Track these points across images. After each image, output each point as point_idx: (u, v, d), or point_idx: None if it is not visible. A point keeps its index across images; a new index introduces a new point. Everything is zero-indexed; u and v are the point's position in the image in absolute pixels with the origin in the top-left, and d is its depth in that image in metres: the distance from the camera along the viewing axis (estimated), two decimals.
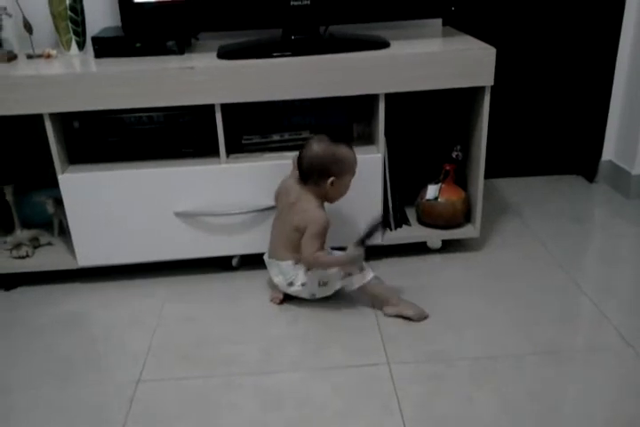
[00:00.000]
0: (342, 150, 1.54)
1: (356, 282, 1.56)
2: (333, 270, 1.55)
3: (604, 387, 1.32)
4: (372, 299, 1.61)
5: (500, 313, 1.58)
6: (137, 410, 1.31)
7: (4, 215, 1.85)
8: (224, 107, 1.62)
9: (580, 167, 2.40)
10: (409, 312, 1.56)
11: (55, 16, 1.72)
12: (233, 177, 1.68)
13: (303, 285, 1.58)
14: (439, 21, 2.01)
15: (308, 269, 1.57)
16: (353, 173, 1.57)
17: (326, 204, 1.60)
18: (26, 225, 1.82)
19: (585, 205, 2.20)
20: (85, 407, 1.32)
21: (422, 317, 1.56)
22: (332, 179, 1.53)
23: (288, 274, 1.59)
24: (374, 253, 1.82)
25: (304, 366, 1.42)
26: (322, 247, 1.54)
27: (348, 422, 1.26)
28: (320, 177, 1.53)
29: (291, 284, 1.59)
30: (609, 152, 2.31)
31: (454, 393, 1.32)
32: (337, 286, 1.58)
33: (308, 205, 1.55)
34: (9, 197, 1.76)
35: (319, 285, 1.58)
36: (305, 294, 1.61)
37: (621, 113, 2.24)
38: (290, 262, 1.58)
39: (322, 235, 1.54)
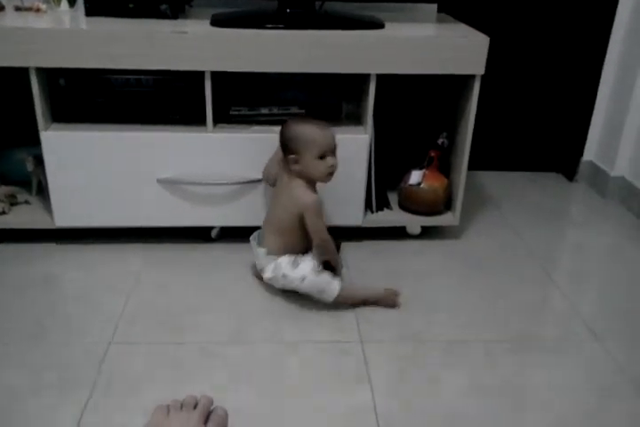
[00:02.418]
0: (302, 128, 1.50)
1: (328, 296, 1.51)
2: (306, 283, 1.50)
3: (569, 377, 1.34)
4: (352, 304, 1.56)
5: (474, 300, 1.60)
6: (107, 371, 1.30)
7: None
8: (214, 75, 1.59)
9: (561, 166, 2.44)
10: (386, 305, 1.57)
11: None
12: (218, 147, 1.66)
13: (269, 279, 1.56)
14: (434, 8, 2.01)
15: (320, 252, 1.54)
16: (316, 154, 1.48)
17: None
18: (4, 182, 1.78)
19: (563, 201, 2.23)
20: (55, 366, 1.31)
21: (395, 300, 1.57)
22: (292, 156, 1.49)
23: (259, 260, 1.58)
24: (353, 235, 1.82)
25: (276, 339, 1.42)
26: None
27: (318, 394, 1.26)
28: (284, 154, 1.52)
29: (262, 270, 1.58)
30: (590, 153, 2.34)
31: (424, 373, 1.33)
32: (305, 292, 1.54)
33: (296, 190, 1.53)
34: None
35: (282, 287, 1.56)
36: (275, 285, 1.58)
37: (605, 115, 2.27)
38: (263, 250, 1.56)
39: (321, 215, 1.53)
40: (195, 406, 0.77)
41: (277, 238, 1.55)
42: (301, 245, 1.56)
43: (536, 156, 2.44)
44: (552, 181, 2.40)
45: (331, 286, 1.51)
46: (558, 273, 1.74)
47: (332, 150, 1.51)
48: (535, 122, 2.38)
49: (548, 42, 2.23)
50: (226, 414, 0.78)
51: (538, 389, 1.31)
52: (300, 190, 1.52)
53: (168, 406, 0.77)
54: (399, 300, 1.57)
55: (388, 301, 1.56)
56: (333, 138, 1.51)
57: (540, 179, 2.40)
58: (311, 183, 1.54)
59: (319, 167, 1.50)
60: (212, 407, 0.78)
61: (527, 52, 2.25)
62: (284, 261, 1.52)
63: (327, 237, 1.54)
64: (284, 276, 1.51)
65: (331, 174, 1.52)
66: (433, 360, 1.37)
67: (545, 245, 1.90)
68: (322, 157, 1.49)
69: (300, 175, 1.52)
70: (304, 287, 1.50)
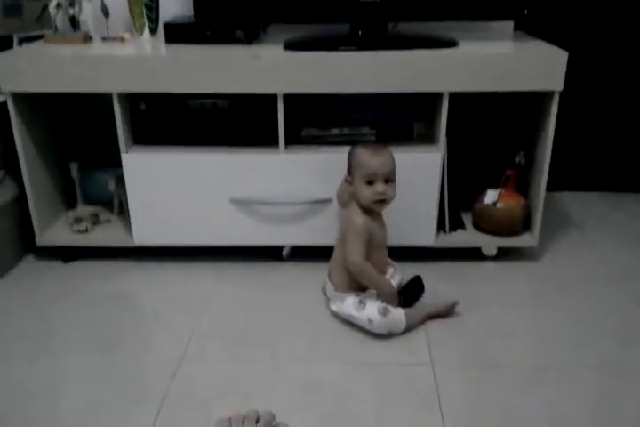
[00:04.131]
0: (358, 150, 1.50)
1: (397, 331, 1.48)
2: (375, 326, 1.46)
3: None
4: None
5: (553, 325, 1.52)
6: (178, 385, 1.32)
7: (68, 191, 1.91)
8: (286, 98, 1.62)
9: None
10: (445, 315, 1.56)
11: (131, 1, 1.78)
12: (290, 167, 1.68)
13: (336, 313, 1.54)
14: (510, 26, 1.97)
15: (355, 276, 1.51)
16: (362, 178, 1.46)
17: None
18: (88, 202, 1.87)
19: None
20: (129, 379, 1.34)
21: (452, 310, 1.56)
22: (347, 176, 1.51)
23: (328, 292, 1.58)
24: (427, 256, 1.79)
25: (345, 360, 1.40)
26: (363, 250, 1.47)
27: (386, 416, 1.23)
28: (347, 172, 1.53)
29: (330, 300, 1.57)
30: None
31: (499, 400, 1.27)
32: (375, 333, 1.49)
33: (349, 211, 1.52)
34: (74, 174, 1.81)
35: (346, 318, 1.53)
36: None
37: None
38: (331, 286, 1.55)
39: (361, 239, 1.48)
40: (257, 421, 0.76)
41: (342, 274, 1.53)
42: None
43: (620, 175, 2.32)
44: (638, 201, 2.27)
45: (397, 323, 1.47)
46: None
47: (381, 177, 1.46)
48: (619, 140, 2.27)
49: (633, 55, 2.14)
50: None
51: (624, 420, 1.22)
52: (351, 213, 1.51)
53: (230, 420, 0.77)
54: (455, 309, 1.57)
55: (447, 312, 1.55)
56: (386, 165, 1.46)
57: (624, 199, 2.28)
58: (366, 209, 1.50)
59: (365, 192, 1.47)
60: (273, 423, 0.77)
61: (610, 67, 2.16)
62: (350, 301, 1.49)
63: (358, 260, 1.48)
64: (351, 316, 1.49)
65: (380, 202, 1.48)
66: (508, 386, 1.31)
67: (631, 269, 1.79)
68: (369, 183, 1.46)
69: (355, 199, 1.51)
70: (373, 329, 1.47)
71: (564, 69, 1.59)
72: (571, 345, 1.45)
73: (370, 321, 1.46)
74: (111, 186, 1.79)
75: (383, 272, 1.57)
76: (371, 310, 1.46)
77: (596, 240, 1.96)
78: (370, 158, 1.46)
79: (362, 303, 1.48)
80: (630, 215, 2.15)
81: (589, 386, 1.31)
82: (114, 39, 1.77)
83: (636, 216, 2.14)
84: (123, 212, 1.84)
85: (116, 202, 1.86)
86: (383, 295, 1.49)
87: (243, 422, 0.76)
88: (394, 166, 1.48)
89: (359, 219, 1.49)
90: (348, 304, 1.49)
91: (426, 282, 1.65)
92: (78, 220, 1.79)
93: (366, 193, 1.47)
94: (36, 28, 1.81)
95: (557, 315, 1.57)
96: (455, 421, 1.21)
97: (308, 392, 1.30)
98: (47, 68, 1.58)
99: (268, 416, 0.78)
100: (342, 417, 1.23)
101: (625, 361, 1.40)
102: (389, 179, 1.48)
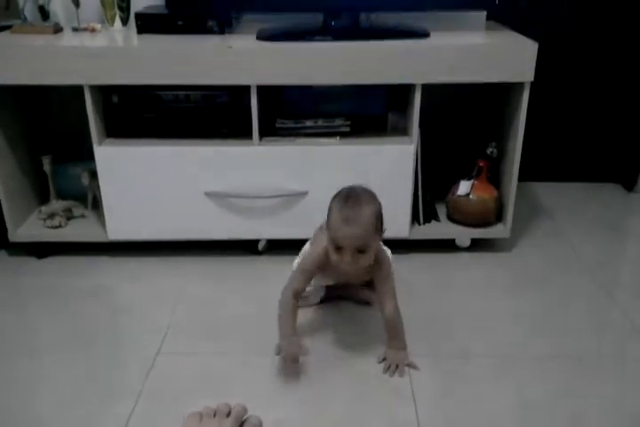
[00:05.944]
0: (335, 209, 1.28)
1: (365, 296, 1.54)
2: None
3: (631, 397, 1.28)
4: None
5: (524, 315, 1.55)
6: (153, 381, 1.32)
7: (40, 185, 1.88)
8: (260, 89, 1.62)
9: (620, 176, 2.35)
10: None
11: None
12: (264, 160, 1.68)
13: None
14: (483, 16, 1.99)
15: None
16: (330, 241, 1.30)
17: None
18: (61, 196, 1.85)
19: (621, 213, 2.14)
20: (103, 376, 1.34)
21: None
22: (324, 222, 1.35)
23: None
24: (401, 247, 1.80)
25: (319, 353, 1.41)
26: (303, 284, 1.39)
27: (360, 409, 1.24)
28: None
29: None
30: None
31: (470, 389, 1.30)
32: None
33: (317, 236, 1.46)
34: (46, 168, 1.79)
35: None
36: None
37: None
38: None
39: (303, 270, 1.39)
40: (228, 415, 0.76)
41: None
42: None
43: (592, 166, 2.35)
44: (609, 191, 2.30)
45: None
46: (616, 288, 1.67)
47: (349, 247, 1.27)
48: (591, 130, 2.30)
49: (605, 46, 2.16)
50: (260, 424, 0.78)
51: (592, 409, 1.25)
52: (317, 240, 1.43)
53: (201, 414, 0.77)
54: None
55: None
56: (355, 237, 1.26)
57: (596, 189, 2.31)
58: (327, 251, 1.35)
59: (333, 255, 1.31)
60: (245, 416, 0.78)
61: (582, 57, 2.18)
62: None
63: (284, 292, 1.38)
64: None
65: (348, 264, 1.30)
66: (479, 376, 1.34)
67: (602, 259, 1.82)
68: (338, 248, 1.29)
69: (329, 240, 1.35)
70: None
71: (535, 61, 1.60)
72: (541, 335, 1.47)
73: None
74: (85, 180, 1.77)
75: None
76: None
77: (568, 230, 1.99)
78: (339, 225, 1.27)
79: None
80: (601, 205, 2.18)
81: (559, 375, 1.34)
82: (85, 30, 1.74)
83: (607, 206, 2.18)
84: (97, 206, 1.83)
85: (89, 196, 1.84)
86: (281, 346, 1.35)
87: (214, 415, 0.76)
88: (367, 236, 1.27)
89: (314, 252, 1.39)
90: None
91: (400, 272, 1.66)
92: (51, 215, 1.77)
93: (333, 256, 1.31)
94: (4, 17, 1.78)
95: (529, 305, 1.59)
96: (428, 410, 1.23)
97: (282, 385, 1.31)
98: (15, 59, 1.55)
99: (240, 409, 0.78)
100: (316, 409, 1.24)
101: (594, 350, 1.43)
102: (361, 250, 1.28)
